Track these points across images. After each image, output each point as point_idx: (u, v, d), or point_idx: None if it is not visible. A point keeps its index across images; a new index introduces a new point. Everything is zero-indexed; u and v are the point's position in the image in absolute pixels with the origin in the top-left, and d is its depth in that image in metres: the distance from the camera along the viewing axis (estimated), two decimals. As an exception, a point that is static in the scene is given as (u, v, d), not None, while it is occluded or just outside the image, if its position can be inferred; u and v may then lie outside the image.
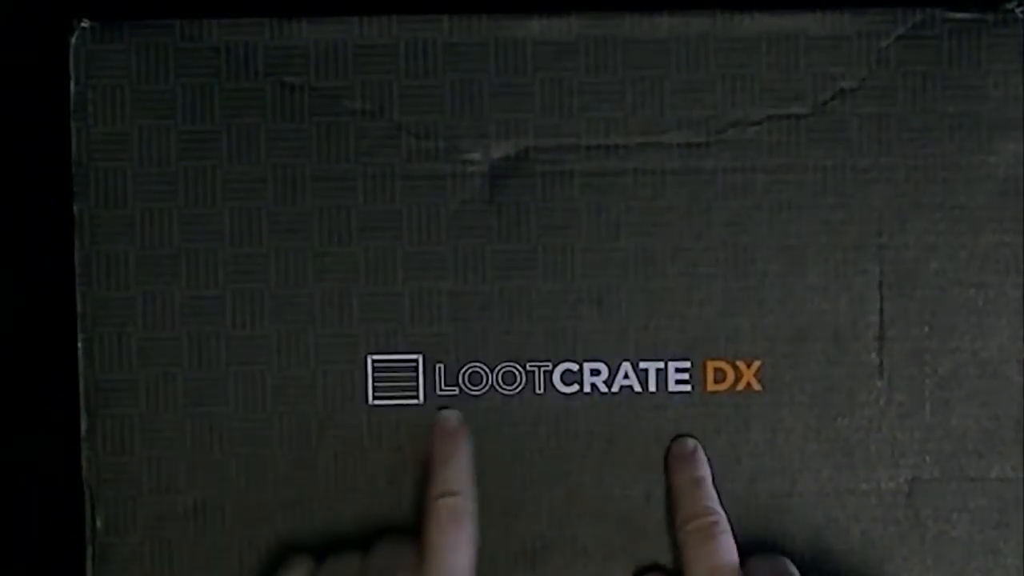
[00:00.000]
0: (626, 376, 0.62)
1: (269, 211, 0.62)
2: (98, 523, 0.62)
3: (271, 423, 0.62)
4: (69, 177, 0.62)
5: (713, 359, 0.62)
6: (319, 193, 0.62)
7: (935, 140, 0.62)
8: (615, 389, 0.62)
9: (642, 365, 0.62)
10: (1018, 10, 0.61)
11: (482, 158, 0.62)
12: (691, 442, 0.61)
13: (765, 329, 0.62)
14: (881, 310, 0.62)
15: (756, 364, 0.62)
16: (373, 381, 0.62)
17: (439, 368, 0.62)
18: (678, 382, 0.62)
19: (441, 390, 0.62)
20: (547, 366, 0.62)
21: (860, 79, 0.62)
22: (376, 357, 0.62)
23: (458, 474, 0.60)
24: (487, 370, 0.62)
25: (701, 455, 0.61)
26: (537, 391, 0.62)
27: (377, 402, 0.62)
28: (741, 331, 0.62)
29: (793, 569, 0.59)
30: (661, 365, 0.62)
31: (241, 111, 0.62)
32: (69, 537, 0.63)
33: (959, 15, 0.62)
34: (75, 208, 0.62)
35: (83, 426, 0.62)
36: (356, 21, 0.62)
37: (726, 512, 0.61)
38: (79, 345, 0.62)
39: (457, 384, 0.62)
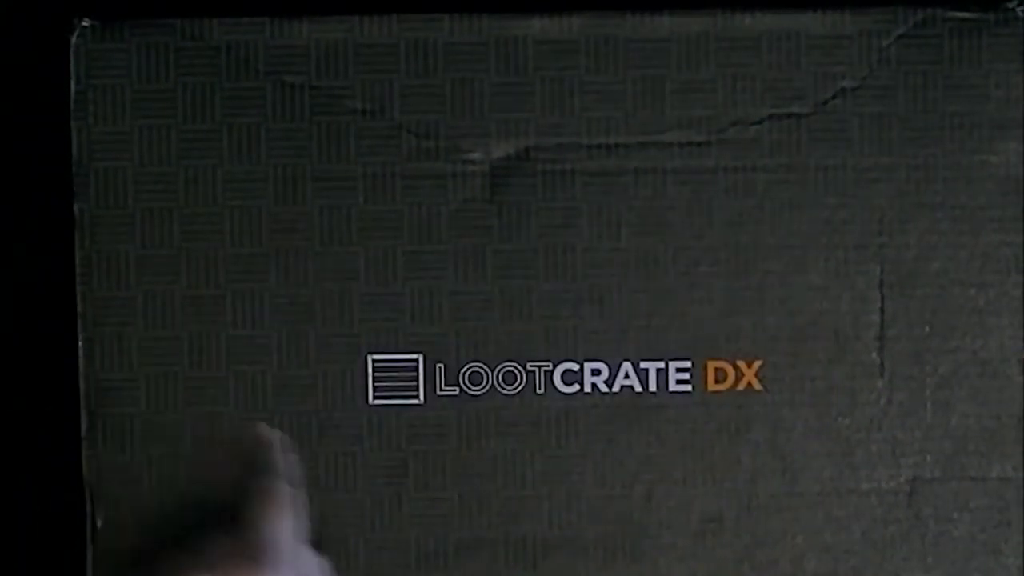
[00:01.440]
0: (627, 376, 0.62)
1: (269, 210, 0.62)
2: (98, 523, 0.62)
3: (271, 423, 0.62)
4: (70, 176, 0.62)
5: (714, 359, 0.62)
6: (319, 193, 0.62)
7: (936, 139, 0.62)
8: (616, 389, 0.62)
9: (643, 365, 0.62)
10: (1019, 9, 0.61)
11: (483, 157, 0.62)
12: None
13: (766, 329, 0.62)
14: (882, 310, 0.62)
15: (757, 364, 0.62)
16: (373, 381, 0.62)
17: (439, 368, 0.62)
18: (679, 382, 0.62)
19: (441, 390, 0.62)
20: (548, 366, 0.62)
21: (861, 78, 0.62)
22: (376, 357, 0.62)
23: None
24: (487, 370, 0.62)
25: None
26: (538, 391, 0.62)
27: (377, 402, 0.62)
28: (742, 331, 0.62)
29: None
30: (662, 365, 0.62)
31: (241, 110, 0.62)
32: (69, 537, 0.63)
33: (960, 14, 0.62)
34: (76, 207, 0.62)
35: (83, 425, 0.62)
36: (356, 20, 0.62)
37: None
38: (79, 344, 0.62)
39: (457, 384, 0.62)
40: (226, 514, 0.57)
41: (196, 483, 0.59)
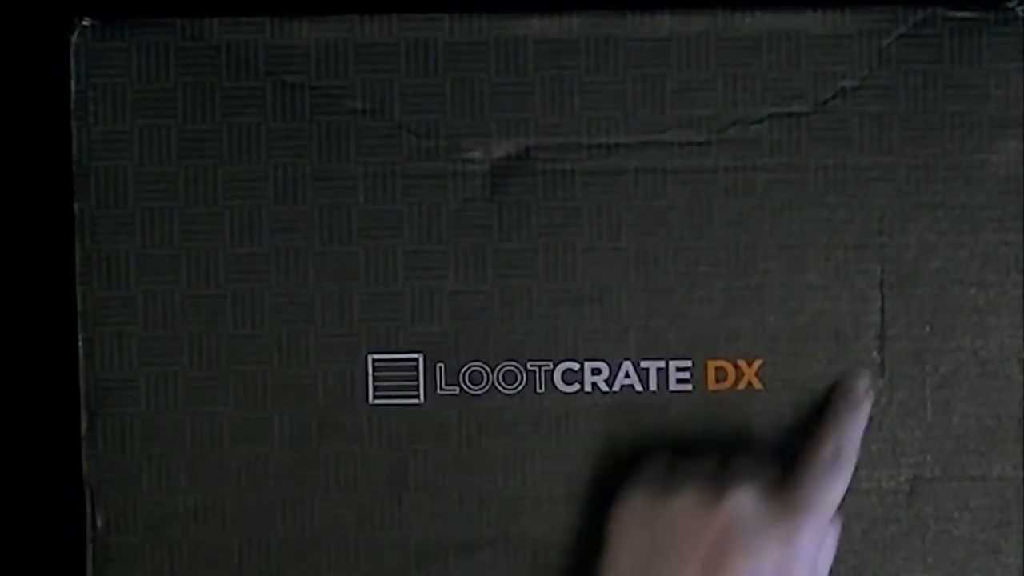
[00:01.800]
0: (627, 375, 0.62)
1: (269, 210, 0.62)
2: (98, 522, 0.62)
3: (271, 422, 0.62)
4: (70, 176, 0.62)
5: (714, 358, 0.62)
6: (319, 192, 0.62)
7: (936, 139, 0.62)
8: (616, 388, 0.62)
9: (643, 364, 0.62)
10: (1018, 9, 0.61)
11: (483, 157, 0.62)
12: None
13: (766, 328, 0.62)
14: (882, 309, 0.62)
15: (757, 363, 0.62)
16: (373, 380, 0.62)
17: (439, 367, 0.62)
18: (679, 381, 0.62)
19: (442, 389, 0.62)
20: (548, 365, 0.62)
21: (861, 78, 0.62)
22: (376, 356, 0.62)
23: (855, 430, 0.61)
24: (488, 369, 0.62)
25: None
26: (538, 390, 0.62)
27: (377, 401, 0.62)
28: (742, 330, 0.62)
29: None
30: (662, 364, 0.62)
31: (241, 110, 0.62)
32: (69, 536, 0.63)
33: (960, 14, 0.62)
34: (76, 207, 0.62)
35: (83, 425, 0.62)
36: (357, 20, 0.62)
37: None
38: (79, 344, 0.62)
39: (458, 383, 0.62)
40: None
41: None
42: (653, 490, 0.59)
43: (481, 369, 0.62)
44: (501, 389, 0.62)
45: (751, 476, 0.58)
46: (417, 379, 0.62)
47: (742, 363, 0.62)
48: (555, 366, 0.62)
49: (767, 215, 0.62)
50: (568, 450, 0.62)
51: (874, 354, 0.62)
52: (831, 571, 0.62)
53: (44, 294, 0.66)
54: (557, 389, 0.62)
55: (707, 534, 0.57)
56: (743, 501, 0.57)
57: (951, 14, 0.62)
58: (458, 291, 0.62)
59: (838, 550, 0.61)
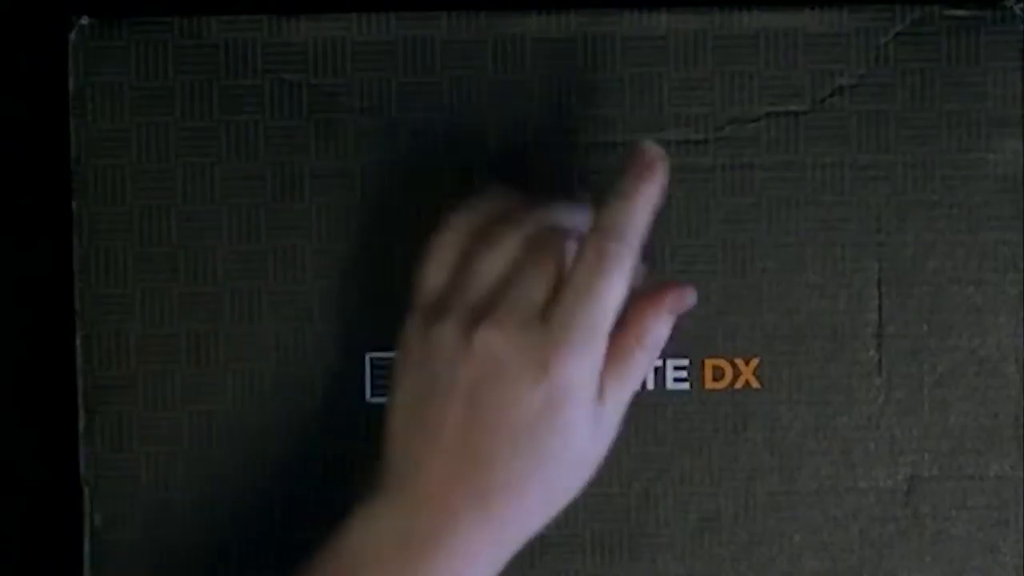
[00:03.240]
0: (624, 374, 0.62)
1: (267, 208, 0.62)
2: (96, 520, 0.62)
3: (270, 421, 0.62)
4: (68, 174, 0.62)
5: (711, 357, 0.62)
6: (317, 190, 0.62)
7: (934, 137, 0.62)
8: (613, 387, 0.62)
9: (640, 363, 0.62)
10: (1016, 7, 0.61)
11: (481, 156, 0.62)
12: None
13: (764, 327, 0.62)
14: (880, 307, 0.62)
15: (755, 362, 0.62)
16: (372, 379, 0.62)
17: (437, 366, 0.62)
18: (676, 380, 0.62)
19: (439, 388, 0.62)
20: (545, 364, 0.62)
21: (859, 76, 0.62)
22: (375, 355, 0.62)
23: (630, 216, 0.55)
24: (485, 368, 0.62)
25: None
26: (535, 389, 0.62)
27: (376, 400, 0.62)
28: (739, 329, 0.62)
29: None
30: (659, 363, 0.62)
31: (240, 108, 0.62)
32: (67, 534, 0.63)
33: (958, 12, 0.62)
34: (74, 205, 0.62)
35: (81, 423, 0.62)
36: (354, 18, 0.62)
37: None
38: (77, 342, 0.62)
39: (455, 382, 0.62)
40: None
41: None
42: (421, 324, 0.56)
43: (478, 367, 0.62)
44: (498, 387, 0.62)
45: (509, 311, 0.54)
46: (415, 377, 0.62)
47: (739, 362, 0.62)
48: (552, 364, 0.62)
49: (765, 213, 0.62)
50: (566, 449, 0.62)
51: (872, 352, 0.62)
52: (828, 570, 0.62)
53: (42, 292, 0.66)
54: (554, 387, 0.62)
55: (463, 370, 0.54)
56: (493, 336, 0.54)
57: (949, 12, 0.62)
58: (455, 289, 0.62)
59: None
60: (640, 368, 0.55)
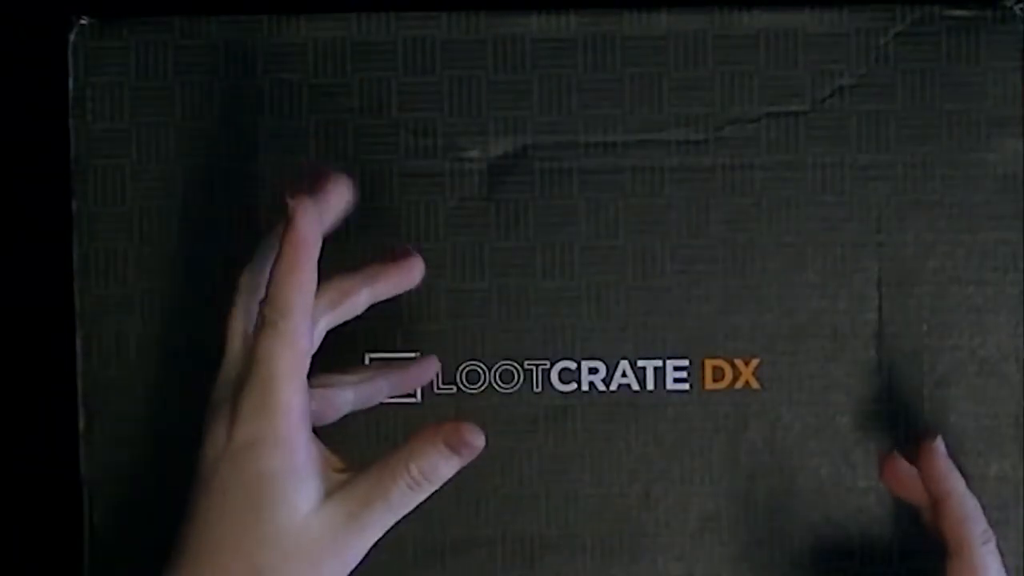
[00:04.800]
0: (624, 375, 0.62)
1: (267, 208, 0.62)
2: (95, 520, 0.62)
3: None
4: (68, 174, 0.62)
5: (712, 357, 0.62)
6: (317, 191, 0.62)
7: (934, 137, 0.62)
8: (613, 388, 0.62)
9: (640, 363, 0.62)
10: (1016, 7, 0.61)
11: (480, 155, 0.62)
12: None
13: (764, 327, 0.62)
14: (880, 308, 0.62)
15: (755, 362, 0.62)
16: (371, 379, 0.62)
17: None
18: (676, 380, 0.62)
19: (438, 388, 0.62)
20: (545, 364, 0.62)
21: (859, 76, 0.62)
22: (374, 355, 0.62)
23: (290, 292, 0.56)
24: (485, 368, 0.62)
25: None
26: (535, 389, 0.62)
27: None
28: (740, 329, 0.62)
29: None
30: (659, 363, 0.62)
31: (239, 108, 0.62)
32: (67, 534, 0.63)
33: (958, 12, 0.62)
34: (74, 205, 0.62)
35: (81, 423, 0.62)
36: (354, 18, 0.62)
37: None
38: (77, 342, 0.62)
39: (455, 382, 0.62)
40: None
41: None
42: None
43: (478, 368, 0.62)
44: (498, 388, 0.62)
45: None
46: (415, 377, 0.62)
47: (739, 362, 0.62)
48: (552, 365, 0.62)
49: (765, 214, 0.62)
50: (565, 449, 0.62)
51: (872, 353, 0.62)
52: (829, 571, 0.62)
53: (42, 292, 0.66)
54: (554, 388, 0.62)
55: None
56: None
57: (949, 12, 0.62)
58: (455, 289, 0.62)
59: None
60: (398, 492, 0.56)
